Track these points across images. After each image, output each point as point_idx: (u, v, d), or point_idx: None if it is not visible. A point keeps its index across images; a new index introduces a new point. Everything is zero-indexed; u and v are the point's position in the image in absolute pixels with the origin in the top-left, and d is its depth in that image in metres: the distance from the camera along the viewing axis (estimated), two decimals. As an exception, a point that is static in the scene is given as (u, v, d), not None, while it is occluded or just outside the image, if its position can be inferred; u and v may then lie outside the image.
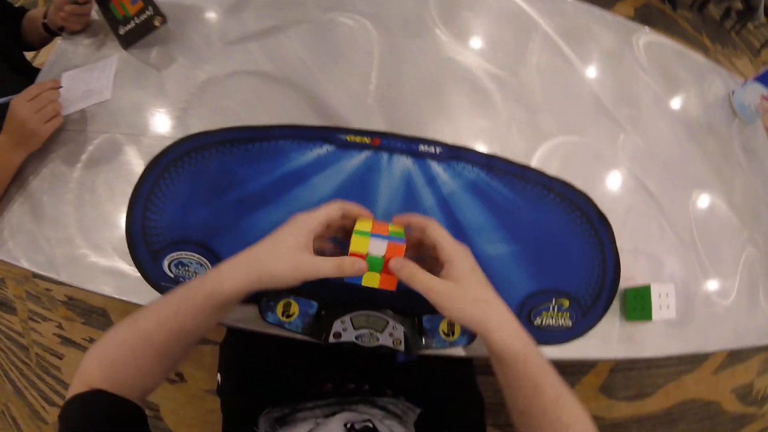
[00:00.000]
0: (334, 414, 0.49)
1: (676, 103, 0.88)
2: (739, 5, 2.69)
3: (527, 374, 0.40)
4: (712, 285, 0.73)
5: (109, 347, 0.43)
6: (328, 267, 0.41)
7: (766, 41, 2.91)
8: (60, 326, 1.54)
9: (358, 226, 0.45)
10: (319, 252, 0.44)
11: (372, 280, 0.46)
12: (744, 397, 1.77)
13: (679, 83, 0.91)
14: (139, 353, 0.41)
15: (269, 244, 0.42)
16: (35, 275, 1.57)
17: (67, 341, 1.52)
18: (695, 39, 2.67)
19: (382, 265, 0.45)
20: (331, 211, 0.44)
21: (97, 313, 1.50)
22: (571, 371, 1.56)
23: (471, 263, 0.43)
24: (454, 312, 0.40)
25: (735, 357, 1.78)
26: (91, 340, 1.49)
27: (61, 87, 0.68)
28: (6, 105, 0.64)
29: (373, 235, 0.44)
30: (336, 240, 0.51)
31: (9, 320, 1.58)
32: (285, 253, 0.41)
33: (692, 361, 1.72)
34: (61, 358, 1.52)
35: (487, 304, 0.41)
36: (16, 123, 0.62)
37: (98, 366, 0.42)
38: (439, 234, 0.43)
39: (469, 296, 0.40)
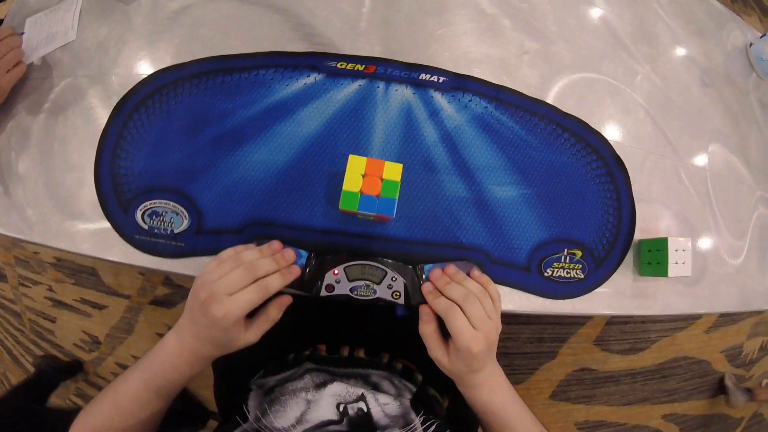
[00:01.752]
0: (324, 384, 0.47)
1: (694, 48, 0.81)
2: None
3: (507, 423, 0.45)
4: (724, 243, 0.70)
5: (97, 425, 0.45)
6: (257, 335, 0.45)
7: (776, 4, 2.78)
8: (51, 289, 1.52)
9: (349, 174, 0.47)
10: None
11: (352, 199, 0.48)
12: (733, 359, 1.81)
13: (699, 27, 0.85)
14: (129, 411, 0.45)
15: (214, 346, 0.44)
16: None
17: (59, 303, 1.51)
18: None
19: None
20: (251, 303, 0.43)
21: (86, 273, 1.48)
22: (568, 321, 1.57)
23: (479, 347, 0.43)
24: (449, 374, 0.46)
25: (728, 317, 1.81)
26: (83, 301, 1.48)
27: (22, 33, 0.63)
28: None
29: (363, 197, 0.47)
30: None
31: (0, 288, 1.56)
32: (222, 344, 0.44)
33: (686, 318, 1.74)
34: (54, 321, 1.52)
35: (475, 374, 0.45)
36: None
37: None
38: (454, 332, 0.44)
39: (457, 371, 0.45)
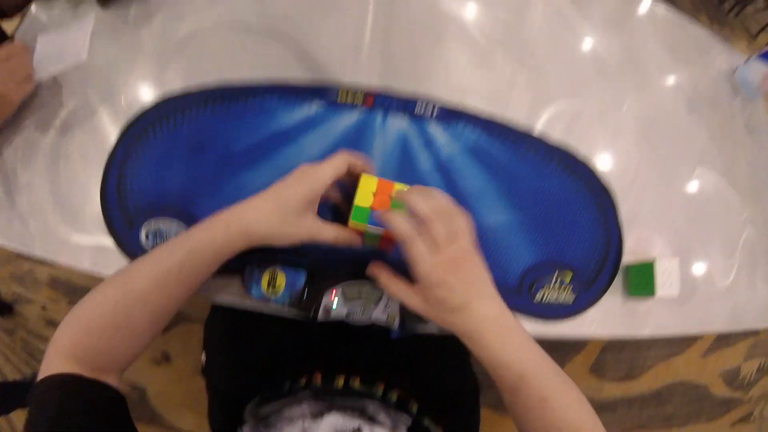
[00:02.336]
0: (321, 414, 0.47)
1: (680, 74, 0.85)
2: (738, -12, 2.66)
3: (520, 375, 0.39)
4: (712, 264, 0.72)
5: (98, 311, 0.41)
6: (327, 234, 0.43)
7: (763, 27, 2.89)
8: (45, 308, 1.51)
9: (360, 192, 0.45)
10: (325, 199, 0.45)
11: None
12: (731, 381, 1.80)
13: (684, 53, 0.88)
14: (136, 316, 0.40)
15: (274, 202, 0.42)
16: (18, 255, 1.53)
17: (52, 323, 1.50)
18: (694, 18, 2.65)
19: (378, 241, 0.47)
20: (339, 168, 0.43)
21: (82, 292, 1.45)
22: (562, 349, 1.56)
23: (439, 275, 0.38)
24: (433, 321, 0.40)
25: (723, 341, 1.81)
26: (77, 321, 1.46)
27: (34, 49, 0.65)
28: None
29: (372, 215, 0.45)
30: (341, 185, 0.51)
31: None
32: (290, 217, 0.41)
33: (681, 343, 1.73)
34: (47, 341, 1.49)
35: (452, 323, 0.39)
36: None
37: (85, 333, 0.40)
38: (412, 259, 0.39)
39: (435, 310, 0.39)
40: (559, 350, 1.55)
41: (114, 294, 0.40)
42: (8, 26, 0.80)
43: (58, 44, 0.68)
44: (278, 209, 0.41)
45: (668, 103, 0.80)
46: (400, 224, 0.39)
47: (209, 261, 0.41)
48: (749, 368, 1.83)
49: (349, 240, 0.43)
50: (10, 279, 1.53)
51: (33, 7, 0.73)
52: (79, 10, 0.71)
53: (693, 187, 0.75)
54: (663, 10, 0.93)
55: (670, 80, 0.83)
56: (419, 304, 0.40)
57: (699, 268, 0.70)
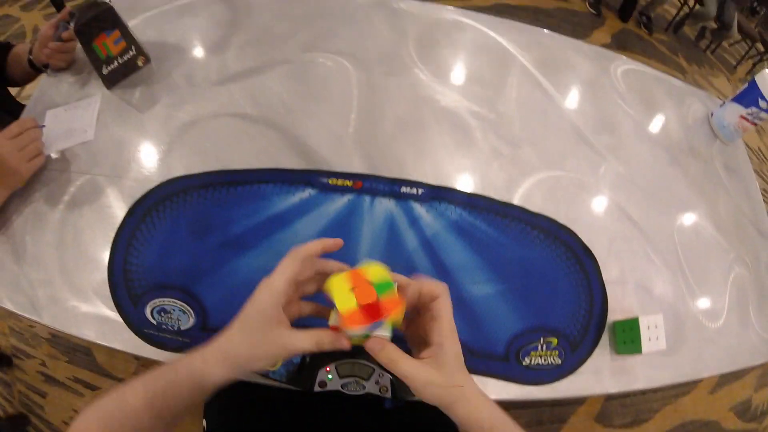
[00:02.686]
0: None
1: (656, 128, 0.90)
2: (713, 24, 2.80)
3: None
4: (702, 309, 0.72)
5: (95, 421, 0.41)
6: (305, 343, 0.39)
7: (742, 58, 3.01)
8: (44, 364, 1.50)
9: (337, 295, 0.39)
10: (297, 317, 0.43)
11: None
12: (743, 414, 1.75)
13: (658, 108, 0.93)
14: (127, 429, 0.40)
15: (239, 328, 0.40)
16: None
17: (50, 379, 1.48)
18: (672, 61, 2.76)
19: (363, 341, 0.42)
20: (290, 268, 0.40)
21: (81, 352, 1.46)
22: (566, 402, 1.54)
23: (458, 347, 0.40)
24: (426, 396, 0.39)
25: (730, 375, 1.77)
26: (76, 380, 1.46)
27: (43, 126, 0.68)
28: None
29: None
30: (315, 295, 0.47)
31: None
32: (259, 337, 0.39)
33: (687, 383, 1.70)
34: (44, 397, 1.48)
35: (454, 389, 0.39)
36: None
37: None
38: (445, 311, 0.41)
39: (447, 382, 0.39)
40: (562, 403, 1.53)
41: (111, 407, 0.41)
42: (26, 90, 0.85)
43: (66, 121, 0.72)
44: (242, 330, 0.40)
45: (645, 158, 0.84)
46: (423, 284, 0.41)
47: (189, 391, 0.40)
48: (761, 398, 1.79)
49: (333, 344, 0.39)
50: (10, 333, 1.54)
51: (43, 80, 0.78)
52: (86, 89, 0.76)
53: (676, 236, 0.77)
54: (634, 67, 0.99)
55: (647, 135, 0.88)
56: (431, 373, 0.39)
57: (689, 315, 0.71)
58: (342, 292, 0.40)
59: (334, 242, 0.45)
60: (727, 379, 1.75)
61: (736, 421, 1.72)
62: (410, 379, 0.38)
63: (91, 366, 1.44)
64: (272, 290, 0.39)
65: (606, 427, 1.55)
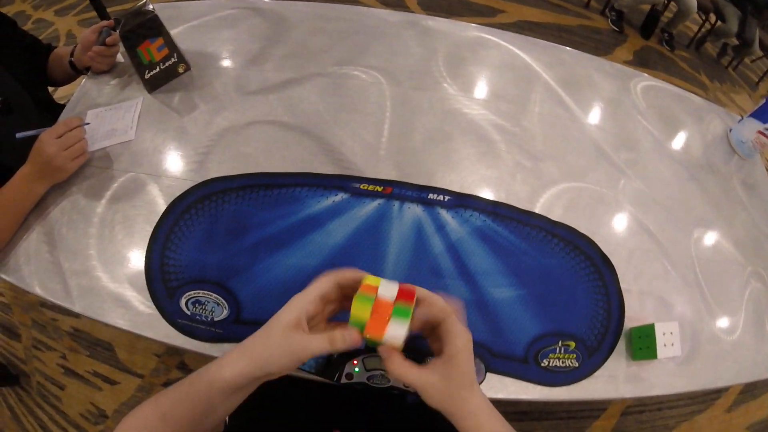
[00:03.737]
0: None
1: (674, 145, 0.92)
2: (734, 41, 2.79)
3: None
4: (718, 321, 0.73)
5: (134, 423, 0.44)
6: (318, 343, 0.40)
7: (764, 74, 2.99)
8: (64, 357, 1.53)
9: (361, 292, 0.42)
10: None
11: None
12: (760, 434, 1.71)
13: (678, 125, 0.95)
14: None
15: (263, 331, 0.42)
16: (43, 304, 1.58)
17: (69, 372, 1.51)
18: (693, 78, 2.75)
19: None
20: (323, 284, 0.44)
21: (102, 347, 1.49)
22: (581, 416, 1.53)
23: (470, 362, 0.42)
24: (434, 404, 0.41)
25: (748, 393, 1.74)
26: (95, 374, 1.49)
27: (87, 124, 0.72)
28: (32, 138, 0.66)
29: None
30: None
31: (12, 346, 1.58)
32: (276, 338, 0.41)
33: (704, 401, 1.68)
34: (62, 389, 1.51)
35: (466, 399, 0.41)
36: (44, 158, 0.65)
37: None
38: (457, 329, 0.42)
39: (454, 391, 0.41)
40: (578, 417, 1.52)
41: (146, 410, 0.44)
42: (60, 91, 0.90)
43: (108, 121, 0.76)
44: (264, 331, 0.42)
45: (664, 173, 0.86)
46: (437, 300, 0.43)
47: (206, 392, 0.42)
48: None
49: (345, 340, 0.41)
50: (32, 325, 1.58)
51: (84, 82, 0.83)
52: (126, 92, 0.81)
53: (693, 250, 0.78)
54: (655, 84, 1.01)
55: (666, 151, 0.90)
56: (435, 383, 0.40)
57: (705, 326, 0.72)
58: (363, 299, 0.42)
59: (361, 275, 0.47)
60: (744, 398, 1.72)
61: (752, 441, 1.68)
62: (414, 386, 0.40)
63: (112, 361, 1.46)
64: (301, 299, 0.42)
65: (621, 444, 1.53)
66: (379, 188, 0.71)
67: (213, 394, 0.41)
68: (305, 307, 0.42)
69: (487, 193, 0.75)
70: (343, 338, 0.41)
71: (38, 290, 0.63)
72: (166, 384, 1.45)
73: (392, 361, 0.41)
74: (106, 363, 1.48)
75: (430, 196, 0.71)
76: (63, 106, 0.83)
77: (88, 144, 0.70)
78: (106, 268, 0.64)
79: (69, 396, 1.50)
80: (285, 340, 0.41)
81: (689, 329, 0.71)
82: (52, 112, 0.87)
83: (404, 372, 0.41)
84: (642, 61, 2.64)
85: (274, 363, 0.40)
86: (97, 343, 1.50)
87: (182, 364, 1.46)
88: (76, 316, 1.51)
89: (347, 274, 0.46)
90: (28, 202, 0.67)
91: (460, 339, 0.40)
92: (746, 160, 0.95)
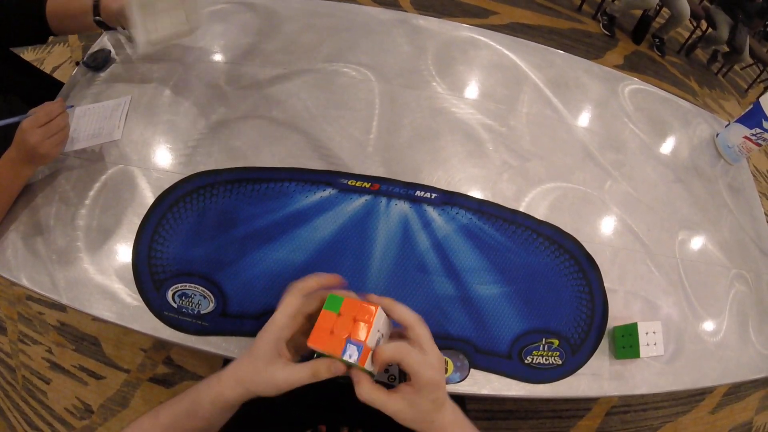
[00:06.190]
0: None
1: (661, 148, 0.93)
2: (725, 48, 2.84)
3: None
4: (702, 323, 0.74)
5: None
6: (303, 376, 0.41)
7: (753, 82, 3.04)
8: (50, 351, 1.52)
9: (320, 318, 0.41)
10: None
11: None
12: (744, 436, 1.73)
13: (665, 128, 0.96)
14: None
15: (248, 355, 0.43)
16: (29, 297, 1.56)
17: (55, 366, 1.49)
18: (684, 84, 2.79)
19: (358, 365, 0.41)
20: (289, 306, 0.43)
21: (88, 341, 1.48)
22: (566, 415, 1.54)
23: (438, 388, 0.41)
24: (405, 425, 0.41)
25: (732, 395, 1.77)
26: (81, 368, 1.48)
27: (71, 107, 0.71)
28: (13, 125, 0.64)
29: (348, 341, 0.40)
30: None
31: None
32: (261, 370, 0.42)
33: (688, 402, 1.70)
34: (48, 383, 1.49)
35: (435, 422, 0.42)
36: (28, 147, 0.63)
37: None
38: (420, 362, 0.41)
39: (424, 415, 0.41)
40: (563, 416, 1.53)
41: (146, 425, 0.45)
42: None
43: (95, 119, 0.74)
44: (250, 357, 0.43)
45: (650, 176, 0.87)
46: (388, 350, 0.41)
47: (209, 410, 0.43)
48: (762, 420, 1.76)
49: (330, 371, 0.41)
50: (18, 319, 1.56)
51: (75, 72, 0.82)
52: (116, 87, 0.80)
53: (678, 251, 0.80)
54: (643, 87, 1.03)
55: (653, 154, 0.91)
56: (403, 409, 0.41)
57: (688, 327, 0.73)
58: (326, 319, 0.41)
59: (332, 278, 0.47)
60: (728, 400, 1.74)
61: (736, 443, 1.71)
62: (384, 411, 0.41)
63: (98, 356, 1.45)
64: (274, 325, 0.42)
65: (606, 444, 1.55)
66: (366, 184, 0.71)
67: (215, 412, 0.43)
68: (280, 335, 0.42)
69: (474, 192, 0.75)
70: (328, 370, 0.41)
71: (25, 282, 0.63)
72: (153, 379, 1.44)
73: (362, 386, 0.41)
74: (92, 357, 1.46)
75: (417, 193, 0.72)
76: (60, 85, 0.80)
77: (69, 127, 0.68)
78: (93, 260, 0.64)
79: (55, 390, 1.48)
80: (268, 374, 0.41)
81: (673, 330, 0.72)
82: (49, 89, 0.83)
83: (374, 398, 0.41)
84: (633, 66, 2.67)
85: (263, 391, 0.42)
86: (84, 337, 1.49)
87: (168, 359, 1.45)
88: (63, 309, 1.50)
89: (309, 283, 0.46)
90: (16, 185, 0.67)
91: (426, 372, 0.40)
92: (732, 165, 0.96)
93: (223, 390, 0.43)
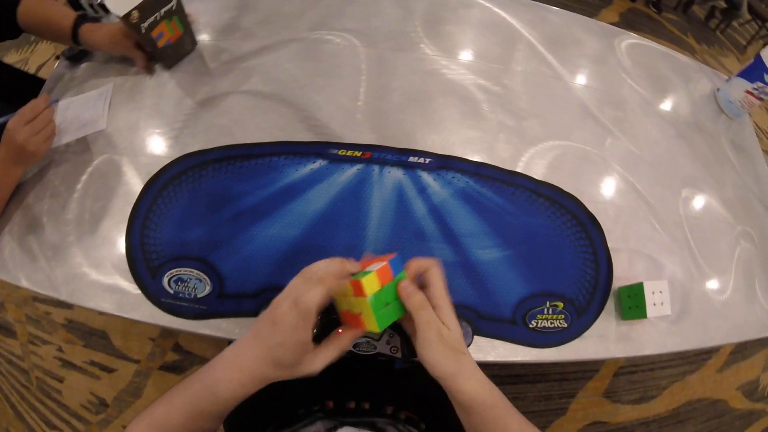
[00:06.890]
0: (335, 429, 0.50)
1: (662, 104, 0.90)
2: (722, 4, 2.75)
3: (494, 417, 0.42)
4: (708, 281, 0.73)
5: (147, 423, 0.44)
6: (333, 354, 0.42)
7: (752, 38, 2.96)
8: (60, 349, 1.53)
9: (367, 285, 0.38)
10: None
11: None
12: (751, 394, 1.75)
13: (665, 84, 0.94)
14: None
15: (275, 335, 0.39)
16: (35, 298, 1.57)
17: (67, 364, 1.51)
18: (681, 41, 2.72)
19: (392, 297, 0.40)
20: (325, 292, 0.39)
21: (97, 335, 1.50)
22: (574, 377, 1.56)
23: (454, 316, 0.42)
24: (431, 360, 0.40)
25: (738, 354, 1.78)
26: (92, 363, 1.50)
27: (56, 101, 0.70)
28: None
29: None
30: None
31: (9, 344, 1.58)
32: (296, 373, 0.40)
33: (695, 361, 1.71)
34: (61, 381, 1.51)
35: (462, 356, 0.42)
36: (15, 146, 0.63)
37: None
38: (438, 277, 0.42)
39: (449, 347, 0.41)
40: (570, 379, 1.55)
41: (159, 410, 0.44)
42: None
43: (78, 111, 0.73)
44: (279, 344, 0.39)
45: (651, 132, 0.85)
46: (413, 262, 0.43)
47: (230, 405, 0.42)
48: None
49: (353, 338, 0.42)
50: (26, 321, 1.57)
51: (57, 66, 0.80)
52: (98, 77, 0.78)
53: (682, 209, 0.78)
54: (640, 42, 0.99)
55: (653, 110, 0.88)
56: (435, 350, 0.40)
57: (695, 286, 0.72)
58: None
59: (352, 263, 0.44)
60: (735, 358, 1.76)
61: (743, 401, 1.73)
62: (423, 331, 0.40)
63: (108, 349, 1.47)
64: (312, 302, 0.38)
65: (614, 403, 1.57)
66: (358, 153, 0.69)
67: (223, 409, 0.42)
68: (316, 312, 0.39)
69: (470, 154, 0.73)
70: (350, 338, 0.42)
71: (24, 282, 0.62)
72: (163, 367, 1.46)
73: (417, 296, 0.40)
74: (102, 351, 1.48)
75: (411, 159, 0.70)
76: (41, 81, 0.78)
77: (58, 131, 0.67)
78: (87, 254, 0.63)
79: (69, 388, 1.50)
80: (297, 368, 0.40)
81: (679, 289, 0.71)
82: (31, 85, 0.82)
83: (426, 314, 0.40)
84: (629, 24, 2.61)
85: (284, 376, 0.41)
86: (92, 332, 1.50)
87: (177, 345, 1.47)
88: (69, 307, 1.51)
89: (341, 268, 0.42)
90: (7, 187, 0.66)
91: (438, 288, 0.41)
92: (734, 120, 0.94)
93: (235, 391, 0.41)
